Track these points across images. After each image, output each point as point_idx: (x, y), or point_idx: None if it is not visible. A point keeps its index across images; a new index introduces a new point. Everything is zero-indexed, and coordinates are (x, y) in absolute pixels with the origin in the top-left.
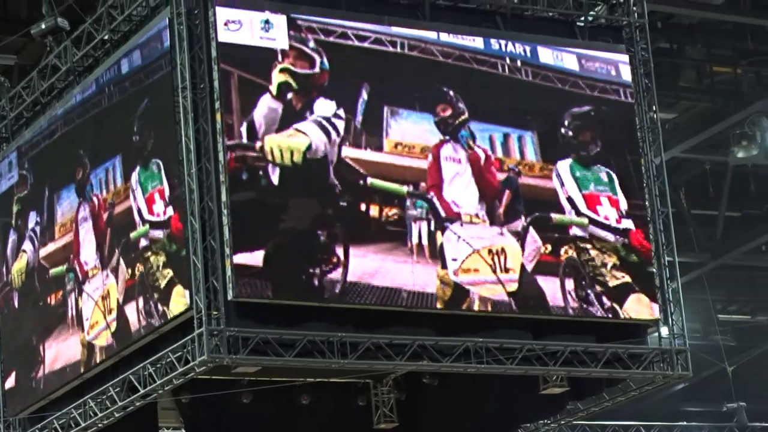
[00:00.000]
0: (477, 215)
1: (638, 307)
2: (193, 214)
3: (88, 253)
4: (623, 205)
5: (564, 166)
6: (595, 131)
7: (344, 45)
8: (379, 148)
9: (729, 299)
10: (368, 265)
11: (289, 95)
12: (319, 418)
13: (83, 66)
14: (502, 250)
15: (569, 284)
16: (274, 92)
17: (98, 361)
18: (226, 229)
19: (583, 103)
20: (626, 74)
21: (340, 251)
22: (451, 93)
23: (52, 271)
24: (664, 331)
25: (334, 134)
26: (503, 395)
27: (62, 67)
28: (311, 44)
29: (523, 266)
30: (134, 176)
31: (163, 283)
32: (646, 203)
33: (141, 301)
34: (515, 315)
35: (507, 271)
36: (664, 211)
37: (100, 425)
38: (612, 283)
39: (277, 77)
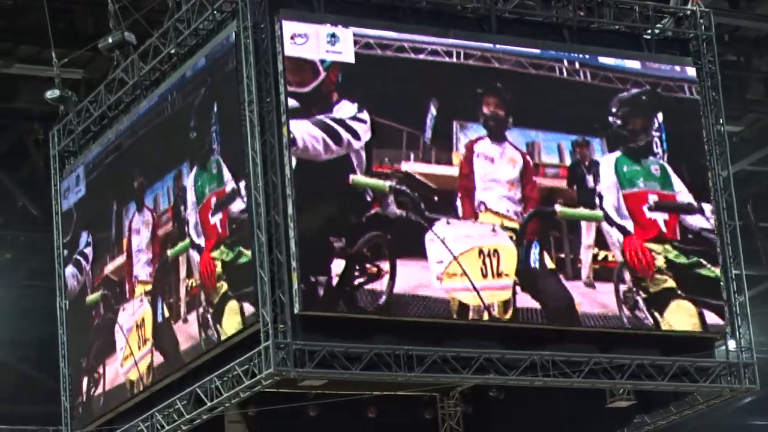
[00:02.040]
0: None
1: (678, 317)
2: (260, 227)
3: (141, 269)
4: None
5: (609, 161)
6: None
7: (408, 59)
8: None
9: None
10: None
11: None
12: (386, 431)
13: (150, 80)
14: None
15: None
16: None
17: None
18: (292, 242)
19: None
20: (692, 72)
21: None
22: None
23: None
24: (732, 344)
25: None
26: (569, 408)
27: (129, 81)
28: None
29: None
30: (190, 179)
31: (216, 299)
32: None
33: (200, 311)
34: (579, 328)
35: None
36: (732, 224)
37: None
38: (653, 288)
39: None
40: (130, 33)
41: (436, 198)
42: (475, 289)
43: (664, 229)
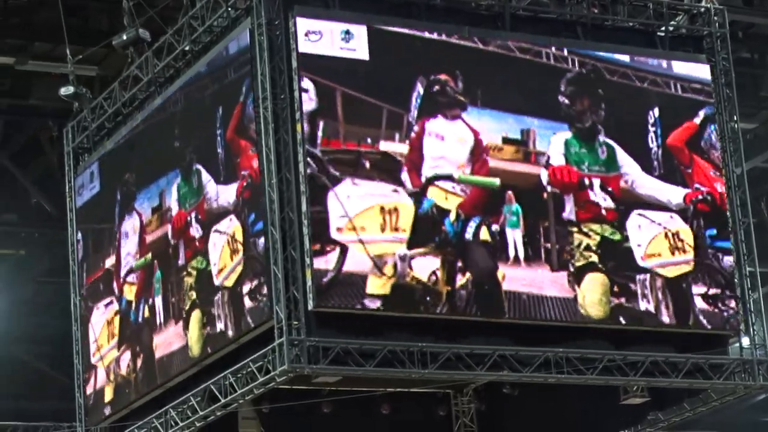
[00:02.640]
0: None
1: (593, 288)
2: (274, 224)
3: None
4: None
5: (559, 141)
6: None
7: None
8: None
9: None
10: None
11: None
12: (400, 428)
13: (164, 77)
14: None
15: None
16: None
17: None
18: (306, 239)
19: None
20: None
21: None
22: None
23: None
24: (746, 341)
25: None
26: (583, 405)
27: (143, 78)
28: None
29: None
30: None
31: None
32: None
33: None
34: (595, 325)
35: None
36: (746, 221)
37: None
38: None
39: None
40: (144, 30)
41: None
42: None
43: (604, 213)
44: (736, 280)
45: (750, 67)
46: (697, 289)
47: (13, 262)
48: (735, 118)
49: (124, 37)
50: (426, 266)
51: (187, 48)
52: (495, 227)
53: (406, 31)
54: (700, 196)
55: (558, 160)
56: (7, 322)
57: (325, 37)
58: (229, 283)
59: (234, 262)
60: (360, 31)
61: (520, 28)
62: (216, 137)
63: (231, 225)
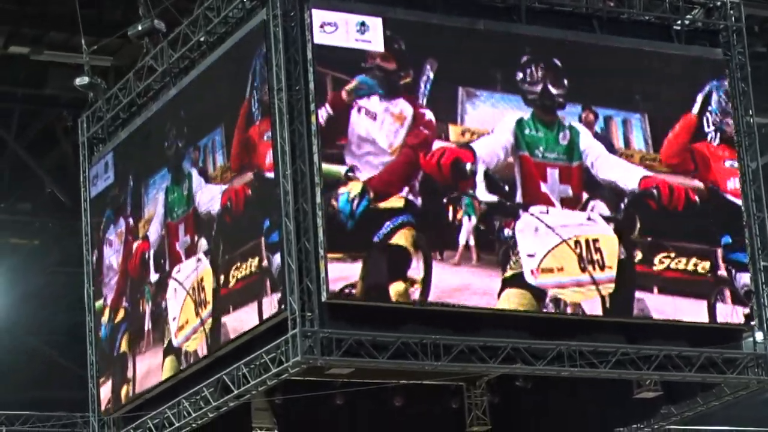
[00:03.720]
0: None
1: None
2: (288, 215)
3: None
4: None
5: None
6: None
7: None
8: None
9: None
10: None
11: None
12: (412, 420)
13: (179, 67)
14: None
15: None
16: None
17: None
18: (320, 230)
19: None
20: None
21: None
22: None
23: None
24: (759, 335)
25: None
26: (596, 399)
27: (158, 69)
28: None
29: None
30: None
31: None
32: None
33: None
34: (608, 319)
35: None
36: (761, 216)
37: (194, 425)
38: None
39: None
40: (159, 20)
41: None
42: None
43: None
44: (749, 278)
45: (766, 62)
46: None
47: (26, 252)
48: (750, 113)
49: (139, 28)
50: None
51: (202, 39)
52: None
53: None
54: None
55: None
56: (21, 313)
57: (340, 29)
58: (190, 347)
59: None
60: (375, 23)
61: (536, 21)
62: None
63: (200, 267)
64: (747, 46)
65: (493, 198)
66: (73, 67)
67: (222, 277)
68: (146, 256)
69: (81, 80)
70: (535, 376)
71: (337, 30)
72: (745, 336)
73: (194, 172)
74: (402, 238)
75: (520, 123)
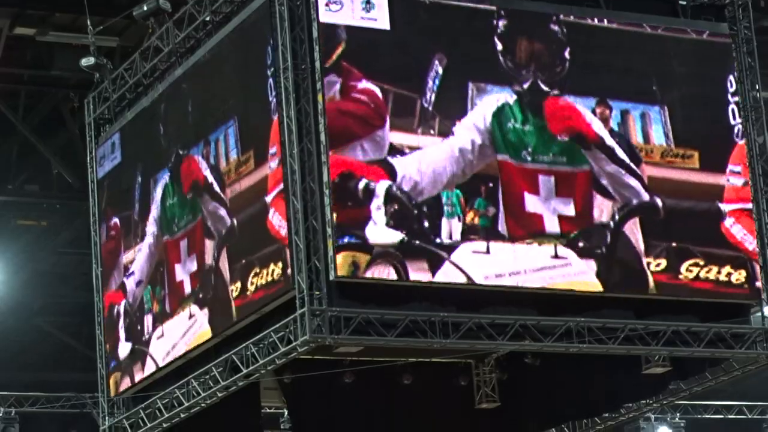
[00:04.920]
0: None
1: None
2: (295, 194)
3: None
4: None
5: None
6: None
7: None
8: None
9: None
10: None
11: None
12: (421, 397)
13: (185, 47)
14: None
15: None
16: None
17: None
18: (327, 209)
19: None
20: None
21: None
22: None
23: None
24: (767, 310)
25: None
26: (605, 375)
27: (164, 49)
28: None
29: None
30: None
31: None
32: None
33: None
34: (617, 294)
35: None
36: None
37: (203, 405)
38: None
39: None
40: (165, 0)
41: None
42: None
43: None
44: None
45: None
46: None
47: (34, 233)
48: (757, 87)
49: (145, 8)
50: None
51: (207, 18)
52: None
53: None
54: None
55: None
56: (29, 294)
57: (345, 7)
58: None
59: None
60: (381, 1)
61: None
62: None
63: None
64: (753, 21)
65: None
66: (79, 48)
67: (239, 285)
68: (115, 312)
69: (87, 61)
70: (543, 353)
71: (342, 8)
72: (754, 311)
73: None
74: None
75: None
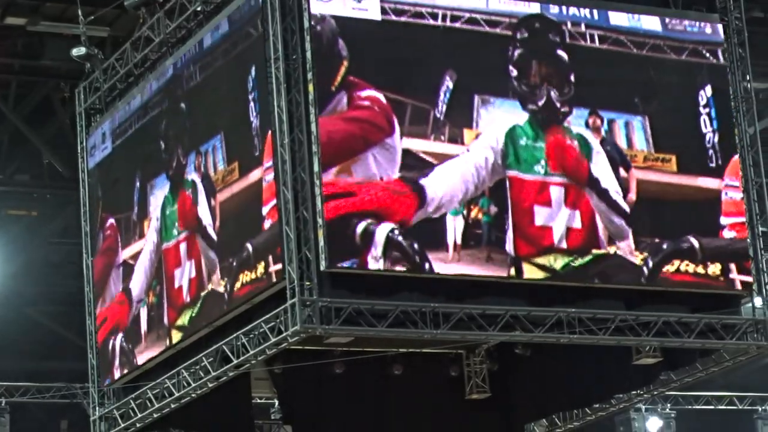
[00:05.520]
0: None
1: None
2: (286, 184)
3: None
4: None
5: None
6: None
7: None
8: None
9: None
10: None
11: None
12: (412, 388)
13: (176, 37)
14: None
15: None
16: None
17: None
18: (318, 199)
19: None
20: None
21: None
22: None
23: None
24: (758, 301)
25: None
26: (596, 366)
27: (155, 39)
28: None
29: None
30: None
31: None
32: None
33: None
34: (607, 285)
35: None
36: (758, 182)
37: (193, 395)
38: None
39: None
40: None
41: None
42: None
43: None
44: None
45: (763, 27)
46: None
47: (25, 223)
48: (748, 78)
49: None
50: None
51: (198, 8)
52: None
53: None
54: None
55: None
56: (20, 283)
57: None
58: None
59: None
60: None
61: None
62: (248, 103)
63: None
64: (744, 11)
65: None
66: (70, 38)
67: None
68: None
69: (78, 51)
70: (534, 344)
71: None
72: (744, 302)
73: (197, 178)
74: None
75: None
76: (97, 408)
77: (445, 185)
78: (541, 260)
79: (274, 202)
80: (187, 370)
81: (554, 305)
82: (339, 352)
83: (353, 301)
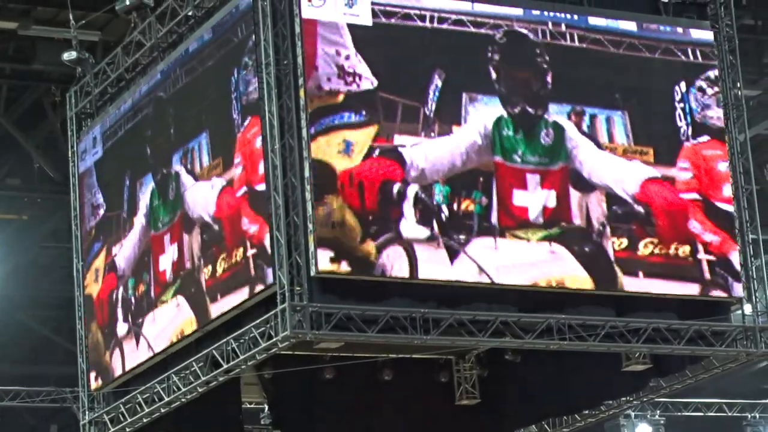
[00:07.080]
0: None
1: None
2: (277, 190)
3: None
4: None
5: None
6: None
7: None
8: None
9: None
10: None
11: None
12: (402, 394)
13: (167, 42)
14: None
15: None
16: None
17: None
18: (308, 205)
19: None
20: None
21: None
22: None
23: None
24: (748, 308)
25: None
26: (585, 372)
27: (146, 43)
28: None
29: None
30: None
31: None
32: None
33: None
34: (598, 292)
35: None
36: (749, 189)
37: (183, 400)
38: None
39: None
40: None
41: None
42: None
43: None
44: (738, 248)
45: (754, 34)
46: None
47: (15, 227)
48: (738, 85)
49: (127, 3)
50: None
51: (190, 13)
52: None
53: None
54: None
55: None
56: (10, 287)
57: (328, 3)
58: None
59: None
60: None
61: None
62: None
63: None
64: (735, 19)
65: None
66: (62, 42)
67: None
68: (113, 297)
69: (69, 55)
70: (524, 350)
71: (324, 3)
72: (734, 309)
73: (182, 171)
74: None
75: (498, 122)
76: (86, 412)
77: (429, 155)
78: (520, 233)
79: (243, 189)
80: (177, 375)
81: (544, 311)
82: (329, 357)
83: (343, 306)
